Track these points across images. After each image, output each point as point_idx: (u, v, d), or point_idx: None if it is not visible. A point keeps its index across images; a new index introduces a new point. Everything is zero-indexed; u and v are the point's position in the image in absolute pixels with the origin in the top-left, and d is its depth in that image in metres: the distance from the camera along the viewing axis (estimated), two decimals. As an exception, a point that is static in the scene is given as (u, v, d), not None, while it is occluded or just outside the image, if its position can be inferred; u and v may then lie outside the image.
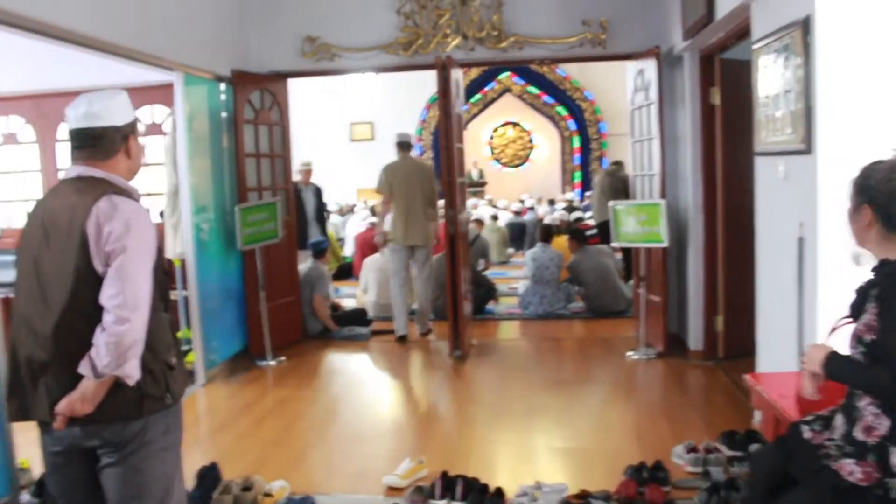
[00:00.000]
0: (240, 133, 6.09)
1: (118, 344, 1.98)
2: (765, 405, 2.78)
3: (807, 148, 3.28)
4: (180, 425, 2.28)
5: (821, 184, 3.20)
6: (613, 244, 6.26)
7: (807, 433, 2.22)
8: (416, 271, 6.85)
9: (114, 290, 2.00)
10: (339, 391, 5.53)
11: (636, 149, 6.31)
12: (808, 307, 3.39)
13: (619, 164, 9.57)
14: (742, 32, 4.58)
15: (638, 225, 5.87)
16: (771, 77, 3.72)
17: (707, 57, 5.51)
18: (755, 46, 3.92)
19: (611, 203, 6.15)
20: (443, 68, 6.05)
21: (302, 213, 7.95)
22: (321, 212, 8.43)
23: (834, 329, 2.21)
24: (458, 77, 6.38)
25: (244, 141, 6.14)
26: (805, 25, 3.25)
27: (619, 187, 8.73)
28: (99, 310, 2.02)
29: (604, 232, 8.22)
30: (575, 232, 8.06)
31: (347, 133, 17.51)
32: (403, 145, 6.82)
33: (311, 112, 16.08)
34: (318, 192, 8.42)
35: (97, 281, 2.04)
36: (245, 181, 6.16)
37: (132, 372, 2.05)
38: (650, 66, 5.85)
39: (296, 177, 7.95)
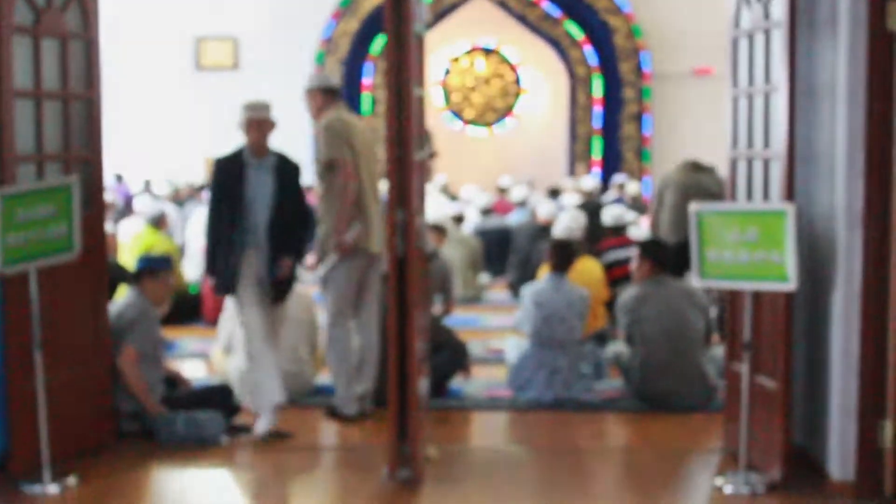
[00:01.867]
0: (5, 51, 5.95)
1: None
2: None
3: None
4: None
5: None
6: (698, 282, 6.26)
7: None
8: (365, 301, 7.36)
9: None
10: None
11: (740, 108, 6.34)
12: None
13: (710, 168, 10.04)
14: None
15: (742, 248, 5.86)
16: None
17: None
18: None
19: (693, 206, 6.13)
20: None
21: (239, 208, 7.16)
22: (292, 210, 7.30)
23: None
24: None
25: (12, 68, 6.01)
26: None
27: (716, 192, 8.98)
28: None
29: (679, 261, 8.35)
30: (652, 246, 8.07)
31: (192, 56, 17.70)
32: (333, 92, 7.31)
33: (127, 17, 15.87)
34: (283, 172, 7.28)
35: None
36: (13, 144, 6.02)
37: None
38: (774, -41, 5.91)
39: (232, 142, 7.36)
